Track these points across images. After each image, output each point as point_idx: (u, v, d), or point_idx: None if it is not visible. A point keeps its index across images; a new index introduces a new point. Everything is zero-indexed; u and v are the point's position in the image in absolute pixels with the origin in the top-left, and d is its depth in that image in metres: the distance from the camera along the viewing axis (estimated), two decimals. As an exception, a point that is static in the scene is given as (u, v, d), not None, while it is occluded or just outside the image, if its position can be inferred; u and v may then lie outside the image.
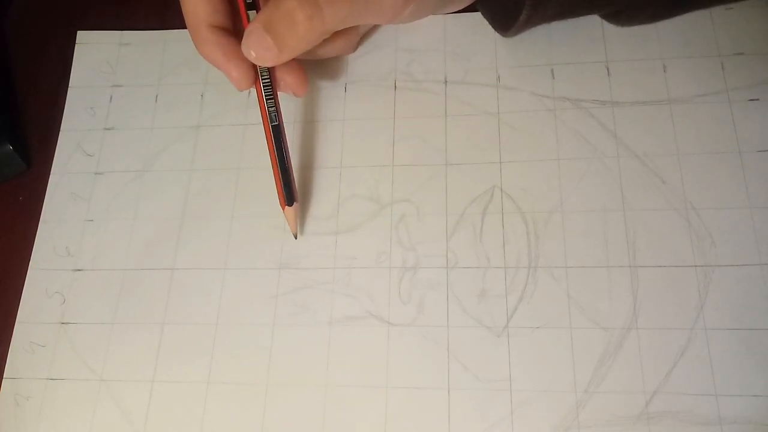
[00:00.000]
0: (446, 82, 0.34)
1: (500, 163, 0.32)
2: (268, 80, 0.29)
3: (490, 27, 0.33)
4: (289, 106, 0.34)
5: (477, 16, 0.34)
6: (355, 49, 0.35)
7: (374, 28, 0.35)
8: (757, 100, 0.31)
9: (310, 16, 0.26)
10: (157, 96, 0.36)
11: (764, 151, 0.30)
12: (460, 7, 0.34)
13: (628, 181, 0.30)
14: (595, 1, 0.30)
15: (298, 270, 0.31)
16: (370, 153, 0.33)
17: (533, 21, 0.30)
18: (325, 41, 0.30)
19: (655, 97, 0.31)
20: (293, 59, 0.29)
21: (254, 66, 0.29)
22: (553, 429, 0.27)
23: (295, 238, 0.32)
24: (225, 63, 0.29)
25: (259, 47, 0.27)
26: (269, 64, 0.28)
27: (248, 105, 0.35)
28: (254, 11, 0.29)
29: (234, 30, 0.30)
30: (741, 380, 0.27)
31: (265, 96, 0.29)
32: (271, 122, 0.29)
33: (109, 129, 0.36)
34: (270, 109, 0.30)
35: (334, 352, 0.30)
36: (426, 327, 0.29)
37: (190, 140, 0.35)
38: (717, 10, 0.32)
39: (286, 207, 0.31)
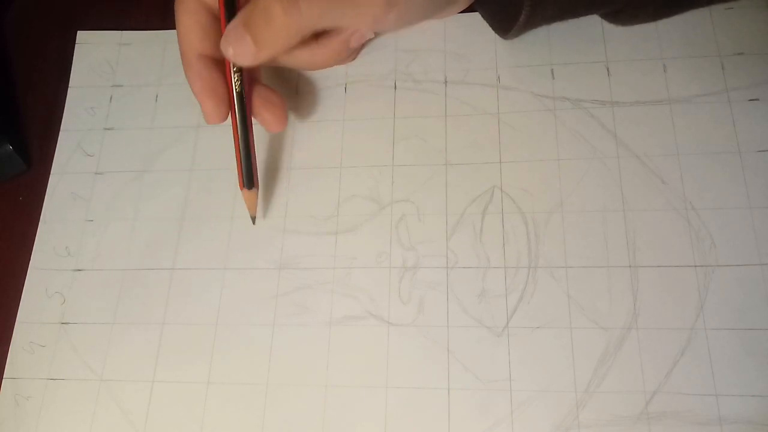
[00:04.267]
0: (446, 82, 0.34)
1: (500, 163, 0.32)
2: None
3: (490, 27, 0.33)
4: (289, 106, 0.34)
5: (477, 16, 0.34)
6: (348, 60, 0.34)
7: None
8: (757, 100, 0.31)
9: (285, 9, 0.26)
10: (157, 96, 0.36)
11: (764, 151, 0.30)
12: (452, 14, 0.34)
13: (628, 181, 0.30)
14: (594, 1, 0.30)
15: (298, 270, 0.31)
16: (370, 153, 0.33)
17: (533, 22, 0.30)
18: (310, 49, 0.30)
19: (655, 97, 0.31)
20: (276, 93, 0.30)
21: (228, 102, 0.30)
22: (553, 429, 0.27)
23: (253, 222, 0.32)
24: (200, 95, 0.29)
25: (237, 43, 0.27)
26: (247, 63, 0.28)
27: (248, 105, 0.35)
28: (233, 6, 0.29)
29: (223, 60, 0.30)
30: (741, 380, 0.27)
31: (233, 69, 0.29)
32: (236, 90, 0.29)
33: (109, 129, 0.36)
34: (236, 81, 0.29)
35: (334, 352, 0.30)
36: (426, 327, 0.29)
37: (190, 140, 0.35)
38: (717, 10, 0.32)
39: (244, 189, 0.31)
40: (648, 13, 0.31)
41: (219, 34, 0.29)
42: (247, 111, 0.30)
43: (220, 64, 0.30)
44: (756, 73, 0.31)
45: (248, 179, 0.30)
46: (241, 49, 0.27)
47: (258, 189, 0.31)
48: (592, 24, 0.33)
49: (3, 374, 0.32)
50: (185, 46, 0.29)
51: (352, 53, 0.34)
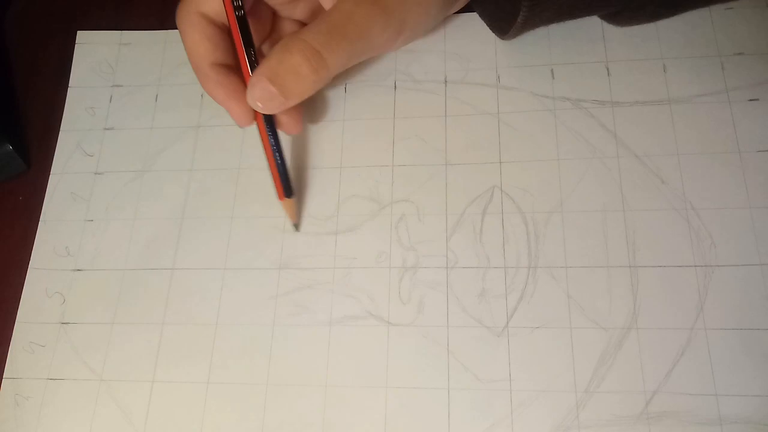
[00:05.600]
0: (446, 82, 0.34)
1: (500, 163, 0.32)
2: None
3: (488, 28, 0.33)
4: (289, 106, 0.34)
5: (477, 17, 0.34)
6: None
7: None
8: (757, 100, 0.31)
9: (315, 69, 0.27)
10: (157, 96, 0.36)
11: (764, 151, 0.30)
12: (450, 13, 0.34)
13: (628, 181, 0.30)
14: (593, 3, 0.30)
15: (298, 270, 0.31)
16: (370, 153, 0.33)
17: (531, 23, 0.30)
18: None
19: (655, 97, 0.31)
20: None
21: None
22: (553, 429, 0.27)
23: (297, 229, 0.32)
24: (226, 101, 0.29)
25: (264, 98, 0.27)
26: (275, 112, 0.29)
27: (248, 105, 0.35)
28: (252, 50, 0.29)
29: (236, 65, 0.30)
30: (741, 380, 0.27)
31: None
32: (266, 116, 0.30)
33: (109, 129, 0.36)
34: None
35: (334, 352, 0.30)
36: (426, 327, 0.29)
37: (190, 140, 0.35)
38: (717, 11, 0.32)
39: (285, 199, 0.31)
40: (646, 14, 0.31)
41: (226, 42, 0.30)
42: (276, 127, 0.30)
43: (234, 70, 0.30)
44: (756, 73, 0.31)
45: (288, 188, 0.31)
46: (270, 103, 0.28)
47: (295, 194, 0.32)
48: (592, 24, 0.33)
49: (3, 374, 0.32)
50: (197, 60, 0.29)
51: None
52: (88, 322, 0.32)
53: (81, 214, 0.34)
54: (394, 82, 0.34)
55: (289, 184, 0.31)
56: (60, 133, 0.36)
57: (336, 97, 0.34)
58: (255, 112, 0.30)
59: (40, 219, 0.34)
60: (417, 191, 0.32)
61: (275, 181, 0.31)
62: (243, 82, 0.29)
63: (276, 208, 0.33)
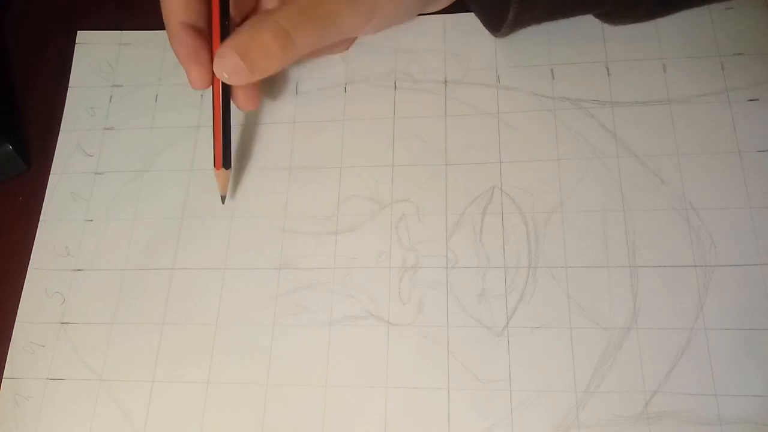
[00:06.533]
0: (446, 82, 0.34)
1: (500, 163, 0.32)
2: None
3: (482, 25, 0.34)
4: (289, 106, 0.34)
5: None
6: (341, 50, 0.35)
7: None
8: (757, 100, 0.31)
9: (282, 47, 0.28)
10: (157, 96, 0.36)
11: (764, 151, 0.30)
12: (434, 10, 0.34)
13: (628, 181, 0.30)
14: (584, 2, 0.30)
15: (298, 270, 0.31)
16: (370, 153, 0.33)
17: (522, 21, 0.30)
18: None
19: (654, 97, 0.31)
20: None
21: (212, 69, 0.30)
22: (553, 429, 0.27)
23: (223, 202, 0.33)
24: (187, 62, 0.30)
25: (231, 70, 0.28)
26: (240, 84, 0.30)
27: (248, 105, 0.35)
28: (227, 20, 0.30)
29: (206, 29, 0.31)
30: (741, 380, 0.27)
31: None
32: (222, 85, 0.30)
33: (109, 129, 0.36)
34: None
35: (334, 352, 0.30)
36: (426, 327, 0.29)
37: (190, 140, 0.35)
38: (717, 10, 0.32)
39: (221, 170, 0.31)
40: (640, 13, 0.31)
41: (200, 4, 0.30)
42: (228, 97, 0.31)
43: (202, 32, 0.30)
44: (756, 73, 0.31)
45: (227, 160, 0.32)
46: (236, 75, 0.29)
47: (231, 168, 0.32)
48: (592, 24, 0.33)
49: (3, 374, 0.32)
50: (168, 16, 0.30)
51: (344, 43, 0.35)
52: (88, 322, 0.32)
53: (81, 214, 0.34)
54: (394, 82, 0.34)
55: (228, 156, 0.32)
56: (60, 133, 0.36)
57: (336, 97, 0.34)
58: (213, 78, 0.30)
59: (40, 219, 0.34)
60: (417, 191, 0.32)
61: (216, 150, 0.31)
62: (207, 46, 0.30)
63: (276, 207, 0.33)
